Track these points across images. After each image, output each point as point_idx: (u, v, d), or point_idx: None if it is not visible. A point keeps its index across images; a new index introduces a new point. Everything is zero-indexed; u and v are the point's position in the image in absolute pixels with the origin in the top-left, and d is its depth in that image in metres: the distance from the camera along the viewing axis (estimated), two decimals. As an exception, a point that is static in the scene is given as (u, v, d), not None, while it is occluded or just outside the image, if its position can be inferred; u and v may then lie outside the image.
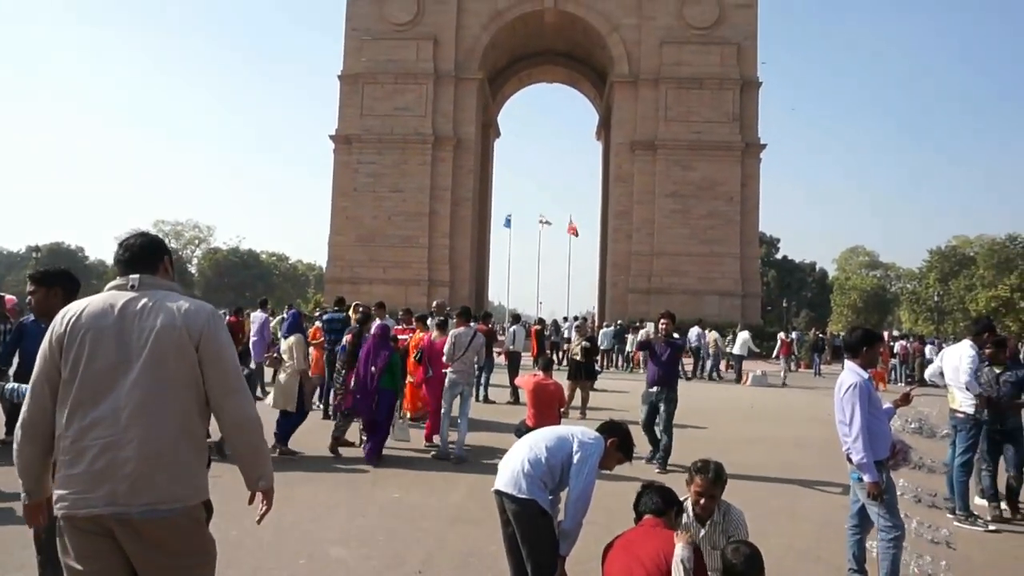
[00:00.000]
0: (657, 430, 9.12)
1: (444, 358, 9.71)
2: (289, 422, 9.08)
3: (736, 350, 23.93)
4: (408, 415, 12.50)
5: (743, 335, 24.11)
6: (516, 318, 18.23)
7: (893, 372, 23.48)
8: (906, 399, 5.47)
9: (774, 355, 23.93)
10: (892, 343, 25.27)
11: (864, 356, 5.20)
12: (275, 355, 9.91)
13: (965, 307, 56.39)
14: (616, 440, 3.98)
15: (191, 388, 2.56)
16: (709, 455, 4.30)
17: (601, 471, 4.13)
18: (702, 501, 3.98)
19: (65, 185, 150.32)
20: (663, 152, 40.56)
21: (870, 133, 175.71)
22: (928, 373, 8.04)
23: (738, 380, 23.18)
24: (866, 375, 5.14)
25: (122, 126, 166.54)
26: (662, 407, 9.02)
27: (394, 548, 5.64)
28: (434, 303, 12.46)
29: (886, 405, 5.29)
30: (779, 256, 74.47)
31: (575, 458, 3.79)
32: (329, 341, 12.03)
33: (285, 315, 17.41)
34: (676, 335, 9.83)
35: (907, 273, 78.68)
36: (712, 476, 3.96)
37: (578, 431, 4.01)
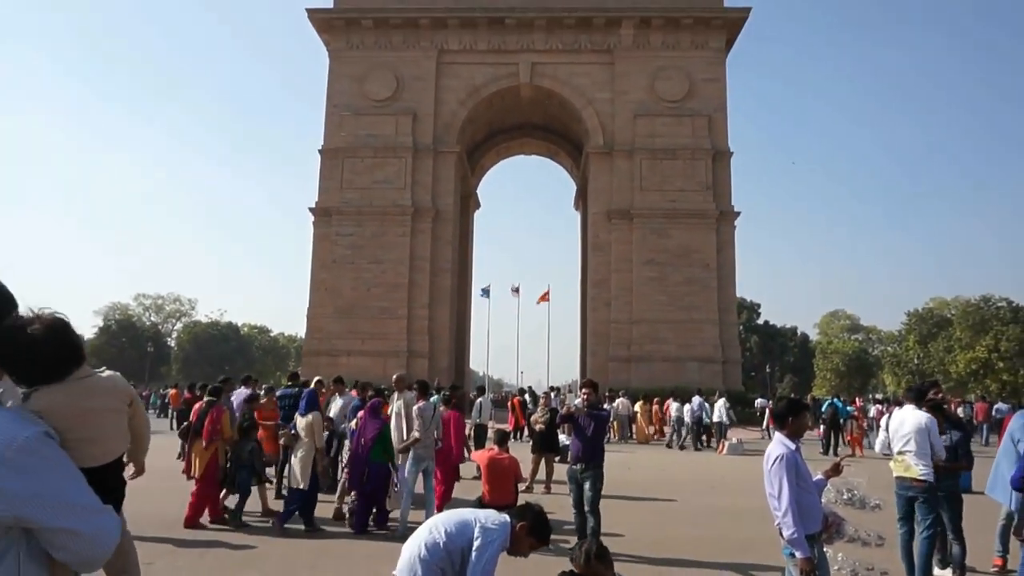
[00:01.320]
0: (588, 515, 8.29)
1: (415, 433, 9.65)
2: (305, 499, 9.21)
3: (716, 417, 23.72)
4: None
5: (720, 402, 23.96)
6: (481, 390, 17.99)
7: (867, 437, 23.27)
8: (836, 469, 5.36)
9: (764, 425, 23.71)
10: (868, 406, 25.18)
11: (791, 426, 5.10)
12: (291, 432, 9.89)
13: (945, 369, 56.56)
14: (526, 524, 3.79)
15: None
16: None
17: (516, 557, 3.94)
18: None
19: (43, 256, 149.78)
20: (639, 220, 41.15)
21: (846, 197, 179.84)
22: (879, 447, 7.73)
23: (715, 448, 22.90)
24: (794, 446, 5.04)
25: (103, 199, 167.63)
26: (587, 486, 8.22)
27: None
28: (394, 376, 12.27)
29: (816, 476, 5.17)
30: (761, 321, 74.92)
31: (475, 544, 3.60)
32: (284, 418, 11.74)
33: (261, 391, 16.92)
34: (604, 406, 9.51)
35: (888, 336, 79.18)
36: (583, 560, 3.84)
37: (483, 515, 3.83)
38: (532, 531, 3.83)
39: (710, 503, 12.16)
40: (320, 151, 42.97)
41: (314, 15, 43.42)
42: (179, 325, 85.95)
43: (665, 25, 42.34)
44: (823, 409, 23.32)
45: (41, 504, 1.82)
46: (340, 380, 12.74)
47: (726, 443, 22.19)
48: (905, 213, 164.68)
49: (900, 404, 23.86)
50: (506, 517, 3.85)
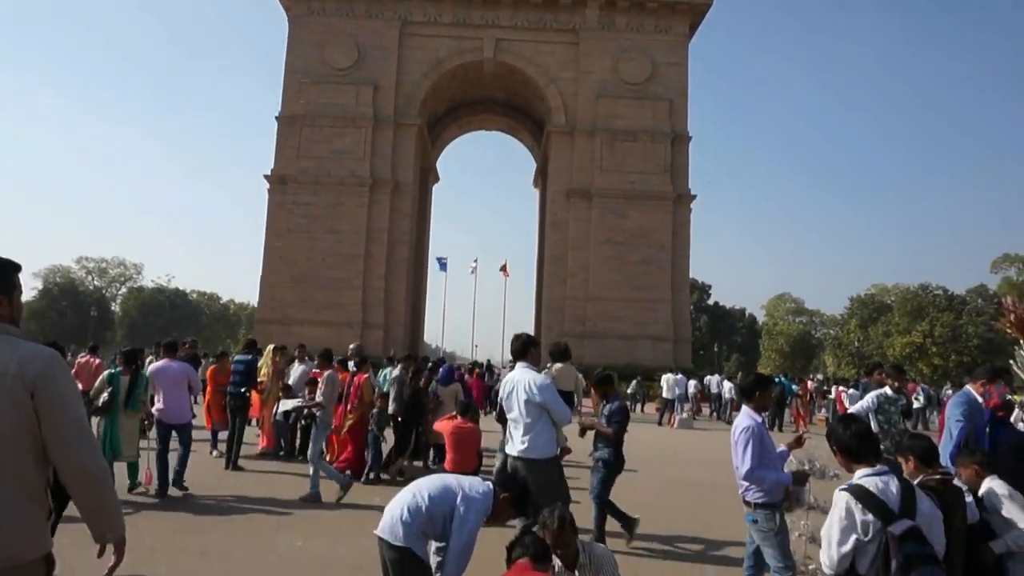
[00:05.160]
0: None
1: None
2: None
3: (666, 394, 24.28)
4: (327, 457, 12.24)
5: (670, 378, 24.53)
6: (442, 360, 18.11)
7: (813, 413, 24.71)
8: (799, 442, 5.69)
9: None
10: (827, 387, 27.45)
11: (758, 400, 5.37)
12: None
13: (883, 352, 58.86)
14: (510, 496, 3.87)
15: (25, 438, 2.38)
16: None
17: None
18: (559, 551, 4.06)
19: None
20: (598, 201, 41.50)
21: (798, 184, 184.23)
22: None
23: (660, 422, 23.48)
24: (759, 419, 5.31)
25: (44, 159, 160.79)
26: None
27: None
28: (350, 347, 12.33)
29: (780, 448, 5.46)
30: (711, 302, 76.56)
31: (458, 511, 3.66)
32: (234, 384, 11.63)
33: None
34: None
35: (830, 319, 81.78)
36: (556, 525, 4.02)
37: (467, 482, 3.87)
38: (515, 503, 3.91)
39: (667, 474, 12.56)
40: (277, 118, 42.04)
41: (274, -24, 42.17)
42: (124, 290, 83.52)
43: (630, 8, 42.44)
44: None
45: (555, 402, 5.83)
46: (303, 347, 12.71)
47: (676, 418, 22.86)
48: (855, 201, 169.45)
49: (847, 383, 25.08)
50: (489, 486, 3.91)
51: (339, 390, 11.01)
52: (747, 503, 5.18)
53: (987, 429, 6.16)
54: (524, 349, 6.15)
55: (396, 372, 11.70)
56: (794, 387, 25.19)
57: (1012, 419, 6.69)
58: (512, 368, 6.46)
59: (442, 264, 48.52)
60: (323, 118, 41.22)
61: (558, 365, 8.78)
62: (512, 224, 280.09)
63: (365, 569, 6.23)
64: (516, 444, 5.92)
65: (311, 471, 9.06)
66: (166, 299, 78.97)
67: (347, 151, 41.20)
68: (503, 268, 48.12)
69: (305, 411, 10.76)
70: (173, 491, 9.02)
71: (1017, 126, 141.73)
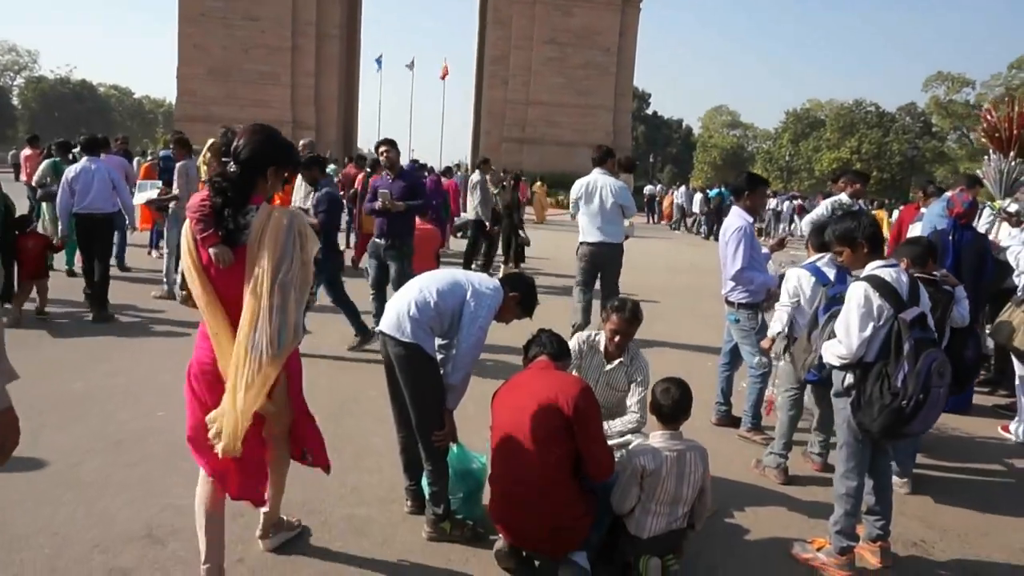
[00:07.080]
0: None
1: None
2: None
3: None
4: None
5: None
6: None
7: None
8: (781, 244, 5.67)
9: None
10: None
11: (748, 200, 5.21)
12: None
13: (811, 167, 60.49)
14: (518, 296, 3.67)
15: None
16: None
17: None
18: (616, 339, 3.98)
19: None
20: (543, -6, 38.88)
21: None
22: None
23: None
24: (750, 219, 5.18)
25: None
26: (393, 266, 6.82)
27: (266, 395, 5.34)
28: (301, 142, 11.57)
29: (763, 250, 5.41)
30: (649, 111, 75.63)
31: (468, 307, 3.45)
32: (167, 183, 10.84)
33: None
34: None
35: (763, 133, 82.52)
36: (628, 315, 3.95)
37: (476, 278, 3.62)
38: (522, 302, 3.73)
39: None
40: None
41: None
42: (19, 80, 76.01)
43: None
44: (711, 197, 24.59)
45: (628, 200, 7.43)
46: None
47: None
48: (804, 14, 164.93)
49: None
50: (498, 282, 3.70)
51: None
52: (729, 303, 5.20)
53: (950, 237, 6.29)
54: (603, 158, 7.43)
55: (476, 177, 12.40)
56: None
57: (978, 223, 6.87)
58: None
59: (378, 62, 45.47)
60: None
61: (625, 174, 10.18)
62: (451, 24, 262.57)
63: (338, 368, 6.18)
64: (593, 232, 7.28)
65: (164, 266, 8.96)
66: (71, 91, 72.53)
67: (265, -78, 36.60)
68: (443, 74, 45.31)
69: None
70: (115, 271, 9.55)
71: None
